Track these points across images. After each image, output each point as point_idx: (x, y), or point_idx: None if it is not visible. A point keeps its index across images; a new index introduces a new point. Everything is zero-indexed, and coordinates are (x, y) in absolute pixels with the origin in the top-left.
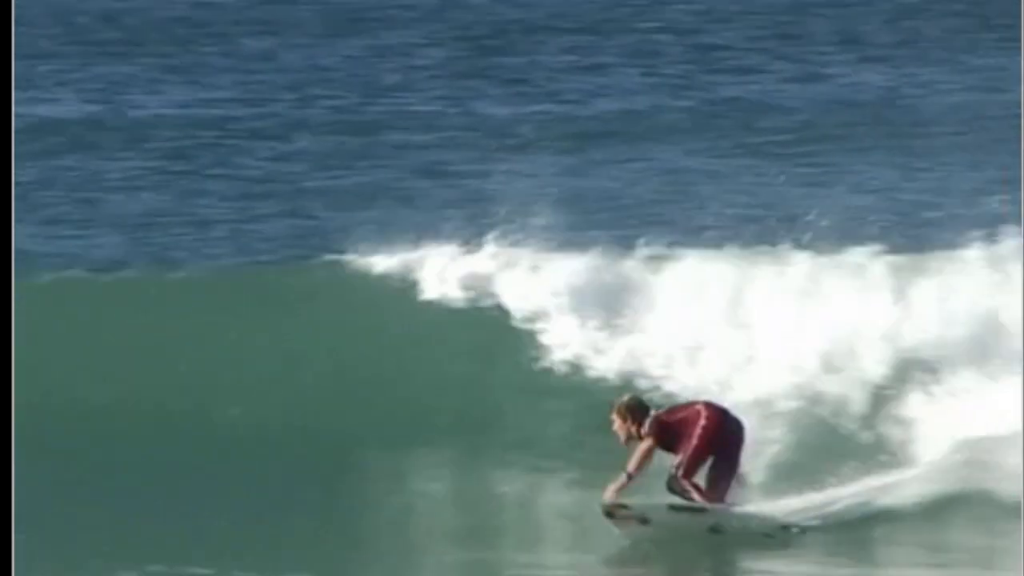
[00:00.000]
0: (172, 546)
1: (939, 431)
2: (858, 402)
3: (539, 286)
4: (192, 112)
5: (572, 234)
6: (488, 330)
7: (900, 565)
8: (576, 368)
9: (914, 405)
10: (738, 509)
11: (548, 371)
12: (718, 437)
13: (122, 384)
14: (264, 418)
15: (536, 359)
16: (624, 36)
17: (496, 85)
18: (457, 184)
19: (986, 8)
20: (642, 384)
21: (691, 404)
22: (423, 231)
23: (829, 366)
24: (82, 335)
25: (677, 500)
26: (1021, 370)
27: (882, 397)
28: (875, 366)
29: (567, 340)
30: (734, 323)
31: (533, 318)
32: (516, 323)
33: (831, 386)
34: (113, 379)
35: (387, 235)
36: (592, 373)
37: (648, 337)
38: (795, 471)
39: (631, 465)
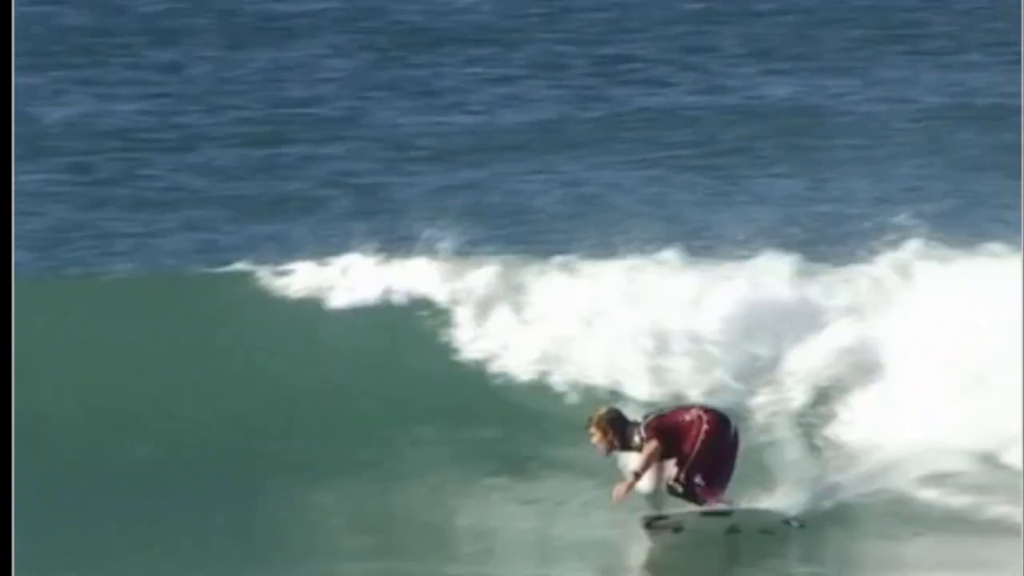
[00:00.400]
0: (81, 565)
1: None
2: (767, 409)
3: (448, 294)
4: (96, 122)
5: (477, 245)
6: (399, 338)
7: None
8: (485, 370)
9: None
10: (745, 507)
11: (457, 374)
12: (719, 442)
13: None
14: (175, 435)
15: (450, 362)
16: (530, 47)
17: (402, 96)
18: (363, 195)
19: (890, 19)
20: (554, 380)
21: (687, 408)
22: (330, 242)
23: (737, 372)
24: None
25: (706, 506)
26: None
27: (788, 406)
28: (777, 375)
29: (479, 343)
30: (642, 331)
31: (444, 323)
32: (427, 329)
33: (737, 388)
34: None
35: (294, 246)
36: (500, 375)
37: (554, 345)
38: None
39: (638, 466)
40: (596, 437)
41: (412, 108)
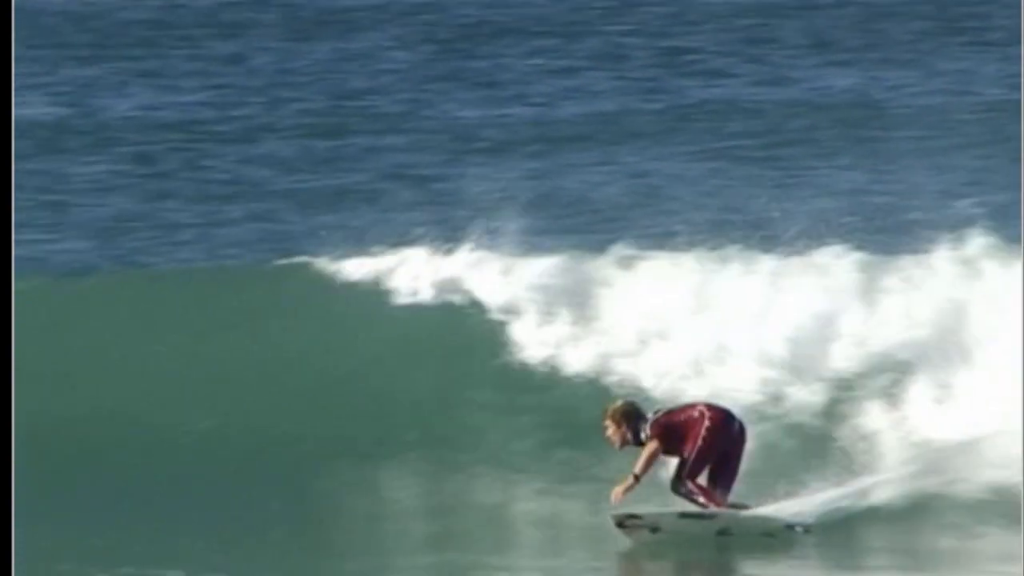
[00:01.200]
0: (143, 553)
1: (905, 437)
2: (827, 404)
3: (509, 287)
4: (159, 115)
5: (541, 237)
6: (460, 331)
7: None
8: (541, 364)
9: (879, 411)
10: (744, 513)
11: (514, 367)
12: (722, 439)
13: (84, 391)
14: (235, 422)
15: (509, 358)
16: (593, 39)
17: (465, 88)
18: (426, 187)
19: (953, 11)
20: (612, 381)
21: (692, 406)
22: (392, 235)
23: (796, 367)
24: (47, 342)
25: (687, 507)
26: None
27: (852, 399)
28: (843, 366)
29: (539, 339)
30: (703, 324)
31: (505, 318)
32: (488, 323)
33: (799, 387)
34: (77, 386)
35: (356, 238)
36: (564, 371)
37: (617, 338)
38: (780, 472)
39: (638, 467)
40: (610, 430)
41: (474, 100)
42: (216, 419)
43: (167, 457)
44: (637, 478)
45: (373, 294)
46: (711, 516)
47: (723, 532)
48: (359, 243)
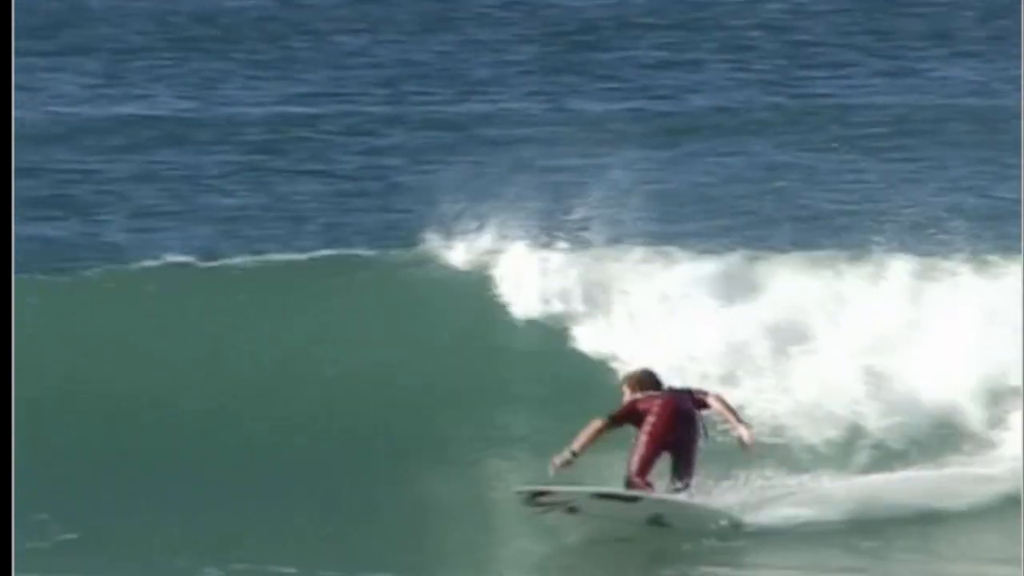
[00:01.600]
0: (257, 548)
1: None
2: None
3: (605, 285)
4: (285, 108)
5: (661, 233)
6: (549, 327)
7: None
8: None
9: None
10: (675, 499)
11: (605, 372)
12: (666, 434)
13: (201, 388)
14: (322, 409)
15: (592, 358)
16: (717, 32)
17: (588, 81)
18: (549, 180)
19: None
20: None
21: (661, 395)
22: (512, 227)
23: (927, 376)
24: (161, 325)
25: (605, 488)
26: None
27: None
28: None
29: (620, 341)
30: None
31: (595, 316)
32: (578, 323)
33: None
34: (203, 365)
35: (474, 230)
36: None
37: (742, 339)
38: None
39: (576, 442)
40: (626, 395)
41: (598, 93)
42: (304, 413)
43: (257, 442)
44: (574, 454)
45: (475, 285)
46: (632, 499)
47: (656, 521)
48: (476, 234)
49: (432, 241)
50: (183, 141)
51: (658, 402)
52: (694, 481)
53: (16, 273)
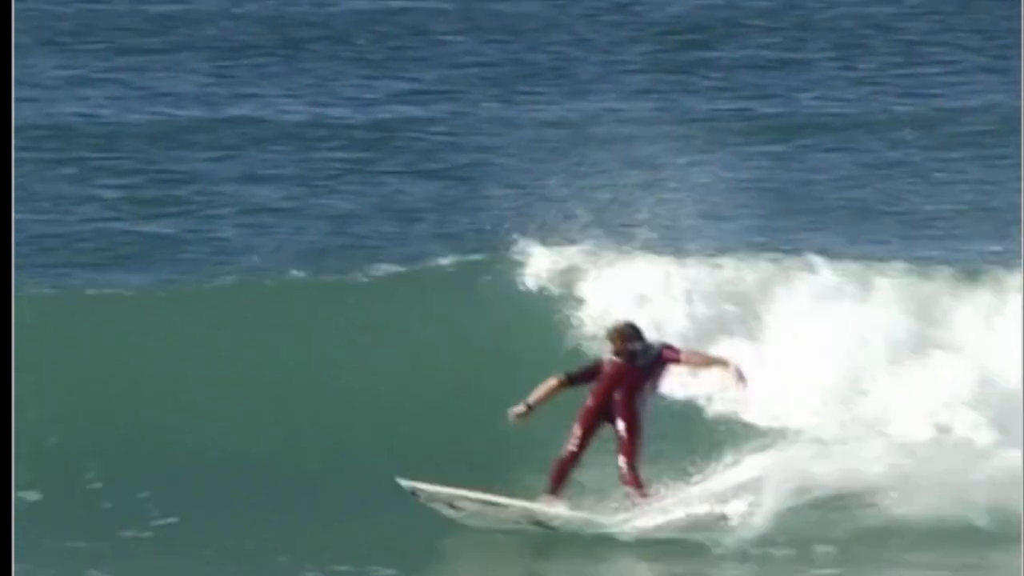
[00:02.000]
0: (358, 551)
1: None
2: None
3: (676, 296)
4: (392, 108)
5: (753, 240)
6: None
7: None
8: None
9: None
10: (545, 510)
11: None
12: (599, 404)
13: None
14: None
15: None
16: (829, 34)
17: (699, 81)
18: (646, 179)
19: None
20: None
21: (610, 362)
22: (613, 226)
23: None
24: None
25: (477, 493)
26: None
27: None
28: None
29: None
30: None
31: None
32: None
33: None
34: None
35: (577, 230)
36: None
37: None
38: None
39: (532, 396)
40: (610, 348)
41: (708, 92)
42: (337, 428)
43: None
44: (529, 407)
45: (551, 288)
46: (502, 505)
47: (540, 524)
48: (579, 234)
49: (528, 245)
50: (301, 144)
51: (608, 371)
52: (643, 466)
53: (111, 272)
